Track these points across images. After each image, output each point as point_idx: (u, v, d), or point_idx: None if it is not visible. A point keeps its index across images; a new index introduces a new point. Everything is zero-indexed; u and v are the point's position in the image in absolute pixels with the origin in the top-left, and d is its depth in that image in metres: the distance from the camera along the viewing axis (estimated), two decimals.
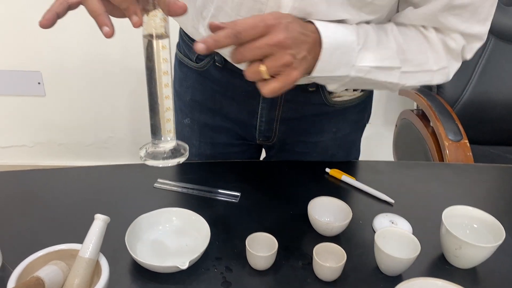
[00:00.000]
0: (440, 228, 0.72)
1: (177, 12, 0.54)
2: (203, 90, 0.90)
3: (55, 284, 0.57)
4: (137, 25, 0.52)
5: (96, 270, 0.60)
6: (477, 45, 0.73)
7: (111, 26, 0.52)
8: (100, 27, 0.52)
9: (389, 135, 1.98)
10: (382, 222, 0.78)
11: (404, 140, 1.72)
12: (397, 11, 0.75)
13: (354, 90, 0.88)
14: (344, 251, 0.66)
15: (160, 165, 0.60)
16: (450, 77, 0.75)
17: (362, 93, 0.90)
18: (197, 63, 0.88)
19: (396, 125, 1.79)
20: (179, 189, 0.83)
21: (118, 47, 1.89)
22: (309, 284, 0.66)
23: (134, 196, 0.81)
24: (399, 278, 0.67)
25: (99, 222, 0.60)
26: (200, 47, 0.55)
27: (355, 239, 0.75)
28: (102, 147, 2.16)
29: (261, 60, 0.58)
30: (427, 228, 0.77)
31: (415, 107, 1.65)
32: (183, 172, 0.90)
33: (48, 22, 0.53)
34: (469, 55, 0.75)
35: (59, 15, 0.53)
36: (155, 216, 0.72)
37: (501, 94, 1.55)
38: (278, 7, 0.68)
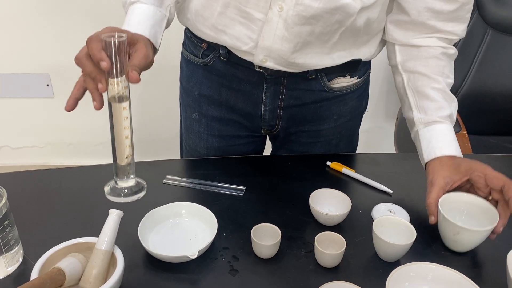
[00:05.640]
0: (437, 216, 0.75)
1: (133, 81, 0.63)
2: (209, 84, 0.95)
3: (74, 275, 0.62)
4: (103, 90, 0.63)
5: (111, 261, 0.64)
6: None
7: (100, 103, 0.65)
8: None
9: (391, 128, 2.02)
10: (381, 211, 0.82)
11: (405, 132, 1.74)
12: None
13: (351, 77, 0.93)
14: (344, 239, 0.70)
15: (122, 201, 0.70)
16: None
17: (359, 79, 0.95)
18: (202, 58, 0.92)
19: (397, 118, 1.82)
20: (187, 184, 0.88)
21: None
22: (312, 270, 0.70)
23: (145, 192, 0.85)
24: (397, 264, 0.71)
25: (114, 216, 0.65)
26: None
27: (355, 228, 0.79)
28: (110, 146, 2.20)
29: None
30: (424, 216, 0.81)
31: None
32: (191, 168, 0.94)
33: (71, 107, 0.66)
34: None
35: (78, 98, 0.66)
36: (165, 210, 0.77)
37: (500, 85, 1.58)
38: None
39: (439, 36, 0.84)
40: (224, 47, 0.87)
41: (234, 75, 0.91)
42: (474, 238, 0.72)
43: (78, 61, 0.64)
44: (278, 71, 0.86)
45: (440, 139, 0.82)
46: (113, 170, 0.70)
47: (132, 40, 0.67)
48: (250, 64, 0.86)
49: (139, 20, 0.74)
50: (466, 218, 0.77)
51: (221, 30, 0.83)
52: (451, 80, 0.87)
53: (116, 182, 0.71)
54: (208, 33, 0.86)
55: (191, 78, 0.97)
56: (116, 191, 0.70)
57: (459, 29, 0.84)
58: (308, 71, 0.87)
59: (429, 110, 0.84)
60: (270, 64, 0.84)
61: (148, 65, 0.67)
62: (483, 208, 0.76)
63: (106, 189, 0.71)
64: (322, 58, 0.84)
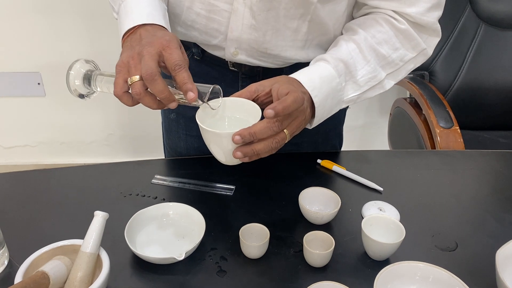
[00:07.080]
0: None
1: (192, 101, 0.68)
2: None
3: (59, 278, 0.61)
4: (174, 106, 0.70)
5: (97, 264, 0.63)
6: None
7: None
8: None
9: (385, 123, 2.01)
10: (371, 209, 0.81)
11: (398, 128, 1.75)
12: None
13: None
14: (332, 238, 0.70)
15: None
16: (430, 53, 0.80)
17: None
18: None
19: (390, 114, 1.82)
20: (176, 184, 0.87)
21: (115, 46, 1.91)
22: (300, 270, 0.69)
23: (133, 192, 0.85)
24: (386, 262, 0.70)
25: (99, 218, 0.64)
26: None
27: (345, 227, 0.78)
28: (103, 145, 2.19)
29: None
30: (415, 214, 0.81)
31: (408, 96, 1.68)
32: (180, 167, 0.93)
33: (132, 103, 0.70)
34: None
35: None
36: (152, 211, 0.76)
37: (492, 79, 1.57)
38: None
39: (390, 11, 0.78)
40: (197, 46, 0.86)
41: (208, 74, 0.90)
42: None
43: (151, 77, 0.64)
44: (252, 69, 0.85)
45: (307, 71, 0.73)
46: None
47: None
48: (225, 63, 0.85)
49: (150, 11, 0.72)
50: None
51: (190, 26, 0.83)
52: (384, 51, 0.75)
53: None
54: (179, 31, 0.85)
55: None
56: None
57: (412, 11, 0.75)
58: (282, 68, 0.86)
59: (327, 53, 0.76)
60: (242, 58, 0.83)
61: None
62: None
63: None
64: (296, 52, 0.83)
